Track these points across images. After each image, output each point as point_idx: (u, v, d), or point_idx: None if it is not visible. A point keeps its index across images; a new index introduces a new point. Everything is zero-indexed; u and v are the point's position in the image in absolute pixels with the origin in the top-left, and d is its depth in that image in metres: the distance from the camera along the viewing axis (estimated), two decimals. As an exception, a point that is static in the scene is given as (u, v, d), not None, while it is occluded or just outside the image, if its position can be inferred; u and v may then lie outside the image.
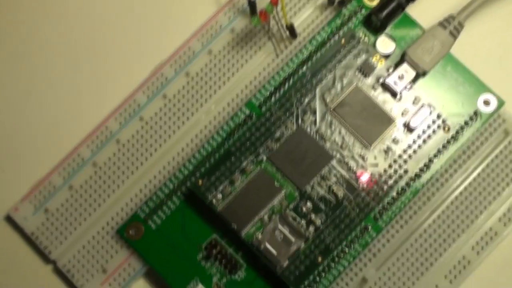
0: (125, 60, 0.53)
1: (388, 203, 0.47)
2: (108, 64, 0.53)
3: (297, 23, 0.52)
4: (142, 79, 0.52)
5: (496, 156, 0.49)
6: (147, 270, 0.50)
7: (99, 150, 0.51)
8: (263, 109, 0.48)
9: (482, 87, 0.49)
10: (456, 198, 0.49)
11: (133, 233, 0.49)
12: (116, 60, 0.53)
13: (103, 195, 0.51)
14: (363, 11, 0.50)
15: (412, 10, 0.50)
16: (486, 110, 0.48)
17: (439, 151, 0.48)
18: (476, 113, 0.48)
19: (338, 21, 0.50)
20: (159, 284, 0.50)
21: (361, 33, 0.49)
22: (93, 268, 0.50)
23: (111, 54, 0.53)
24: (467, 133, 0.48)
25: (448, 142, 0.48)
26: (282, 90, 0.48)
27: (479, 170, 0.49)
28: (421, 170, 0.47)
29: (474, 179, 0.49)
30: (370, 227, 0.47)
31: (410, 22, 0.50)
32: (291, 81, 0.48)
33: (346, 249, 0.47)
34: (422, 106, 0.47)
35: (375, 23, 0.49)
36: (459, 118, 0.48)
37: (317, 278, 0.47)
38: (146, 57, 0.53)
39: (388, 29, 0.50)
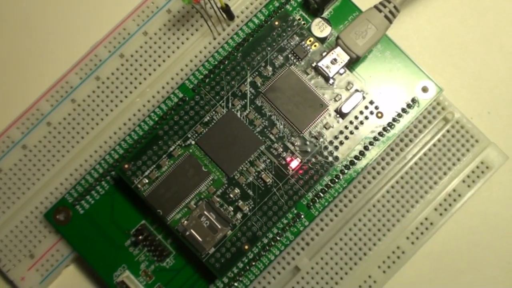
0: (58, 39, 0.52)
1: (321, 190, 0.46)
2: (40, 44, 0.52)
3: (235, 4, 0.50)
4: (75, 60, 0.50)
5: (434, 145, 0.48)
6: (77, 256, 0.49)
7: (30, 132, 0.50)
8: (196, 92, 0.47)
9: (421, 74, 0.47)
10: (393, 187, 0.48)
11: (61, 218, 0.48)
12: (49, 40, 0.52)
13: (32, 178, 0.49)
14: (302, -7, 0.48)
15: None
16: (424, 97, 0.47)
17: (375, 139, 0.46)
18: (414, 100, 0.47)
19: (276, 3, 0.49)
20: (89, 270, 0.49)
21: (298, 15, 0.48)
22: (21, 253, 0.48)
23: (44, 34, 0.52)
24: (405, 121, 0.47)
25: (385, 129, 0.47)
26: (213, 73, 0.47)
27: (416, 158, 0.48)
28: (356, 157, 0.46)
29: (411, 168, 0.48)
30: (303, 215, 0.46)
31: (351, 6, 0.49)
32: (224, 64, 0.47)
33: (277, 237, 0.46)
34: (355, 92, 0.46)
35: (312, 6, 0.47)
36: (396, 105, 0.47)
37: (247, 266, 0.46)
38: (80, 38, 0.51)
39: (327, 13, 0.48)
